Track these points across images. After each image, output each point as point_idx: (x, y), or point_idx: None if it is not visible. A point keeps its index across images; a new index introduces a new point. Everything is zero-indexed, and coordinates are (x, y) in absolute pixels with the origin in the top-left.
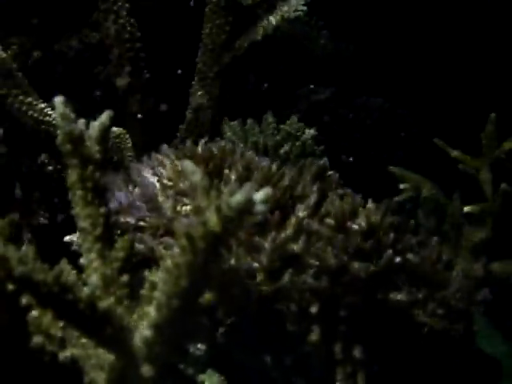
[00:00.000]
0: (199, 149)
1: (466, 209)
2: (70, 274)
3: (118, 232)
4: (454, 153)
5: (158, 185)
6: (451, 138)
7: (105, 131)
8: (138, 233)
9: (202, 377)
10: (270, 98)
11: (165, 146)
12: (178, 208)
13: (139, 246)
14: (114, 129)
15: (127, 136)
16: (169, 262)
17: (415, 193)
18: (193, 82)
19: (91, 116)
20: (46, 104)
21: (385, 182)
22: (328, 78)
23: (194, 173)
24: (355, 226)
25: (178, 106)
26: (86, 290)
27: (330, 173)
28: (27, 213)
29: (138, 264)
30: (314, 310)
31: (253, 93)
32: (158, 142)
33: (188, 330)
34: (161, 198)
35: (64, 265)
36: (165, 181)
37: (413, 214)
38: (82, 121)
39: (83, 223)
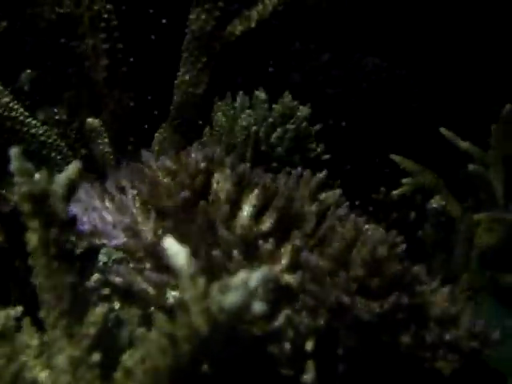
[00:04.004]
0: (183, 160)
1: (476, 217)
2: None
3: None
4: (464, 146)
5: (137, 201)
6: (452, 101)
7: (72, 187)
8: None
9: None
10: (263, 56)
11: (145, 153)
12: (159, 232)
13: (116, 279)
14: (90, 120)
15: (103, 129)
16: (147, 363)
17: (417, 187)
18: (178, 74)
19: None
20: (11, 97)
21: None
22: (322, 35)
23: (178, 254)
24: (358, 260)
25: (162, 99)
26: None
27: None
28: None
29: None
30: (309, 347)
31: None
32: (138, 135)
33: None
34: (140, 218)
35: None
36: (145, 197)
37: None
38: (43, 175)
39: (46, 295)
